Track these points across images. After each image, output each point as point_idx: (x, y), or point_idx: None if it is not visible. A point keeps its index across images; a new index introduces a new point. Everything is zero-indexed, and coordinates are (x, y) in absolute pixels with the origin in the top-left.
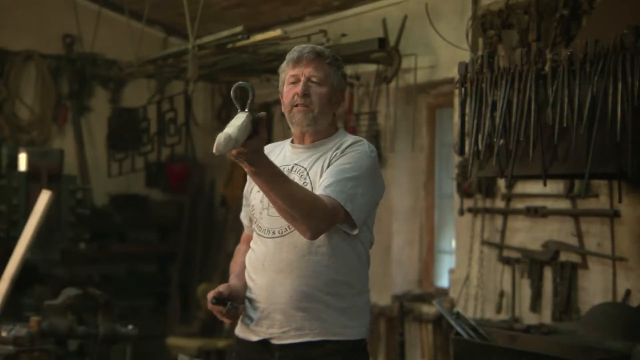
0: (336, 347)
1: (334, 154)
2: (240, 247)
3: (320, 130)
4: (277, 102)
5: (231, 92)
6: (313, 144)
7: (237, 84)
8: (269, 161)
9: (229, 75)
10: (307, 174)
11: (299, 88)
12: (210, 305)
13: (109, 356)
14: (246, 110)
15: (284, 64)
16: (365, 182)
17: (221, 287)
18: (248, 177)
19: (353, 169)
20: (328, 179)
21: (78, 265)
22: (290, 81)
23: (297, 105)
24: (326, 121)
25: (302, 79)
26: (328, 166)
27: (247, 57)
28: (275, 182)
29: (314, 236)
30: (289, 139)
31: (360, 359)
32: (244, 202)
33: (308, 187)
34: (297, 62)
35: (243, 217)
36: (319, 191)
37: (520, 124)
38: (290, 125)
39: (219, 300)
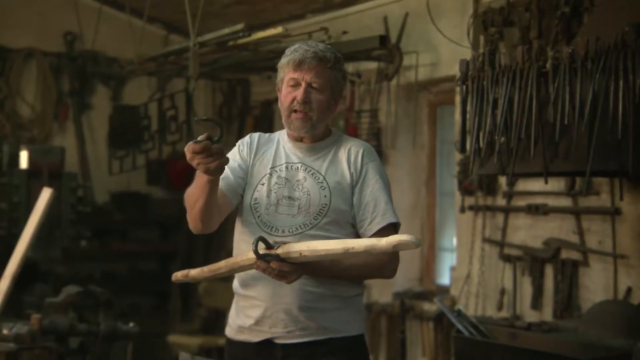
0: (340, 344)
1: (351, 162)
2: None
3: (318, 134)
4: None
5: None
6: (315, 144)
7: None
8: (309, 269)
9: (230, 73)
10: (324, 178)
11: (299, 94)
12: (194, 149)
13: (110, 354)
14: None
15: (284, 61)
16: (389, 186)
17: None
18: (241, 146)
19: (384, 187)
20: (374, 209)
21: (79, 263)
22: (290, 84)
23: (295, 111)
24: (324, 125)
25: (303, 84)
26: (351, 177)
27: (248, 55)
28: (327, 272)
29: (394, 275)
30: (282, 132)
31: (362, 353)
32: (233, 172)
33: (326, 190)
34: (298, 66)
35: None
36: (372, 224)
37: (522, 121)
38: (287, 129)
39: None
